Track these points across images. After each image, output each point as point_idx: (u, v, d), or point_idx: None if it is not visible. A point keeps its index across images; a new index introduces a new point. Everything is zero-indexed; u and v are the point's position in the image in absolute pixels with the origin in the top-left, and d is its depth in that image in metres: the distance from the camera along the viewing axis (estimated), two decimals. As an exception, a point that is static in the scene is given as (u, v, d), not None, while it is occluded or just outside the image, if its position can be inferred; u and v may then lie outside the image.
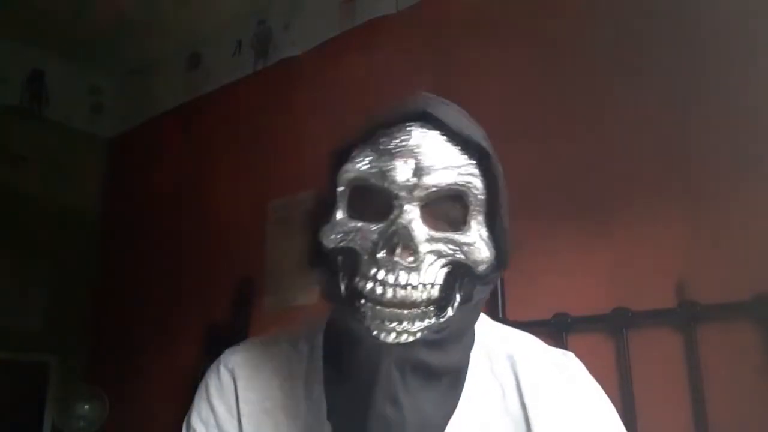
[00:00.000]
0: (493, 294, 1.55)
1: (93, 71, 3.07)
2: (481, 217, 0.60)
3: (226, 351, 0.73)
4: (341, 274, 0.59)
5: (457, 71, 1.85)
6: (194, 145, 2.70)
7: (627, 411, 1.33)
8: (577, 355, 0.69)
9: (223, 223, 2.43)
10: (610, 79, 1.55)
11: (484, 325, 0.69)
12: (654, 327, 1.38)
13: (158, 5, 2.52)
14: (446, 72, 1.87)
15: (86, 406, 2.43)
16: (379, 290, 0.55)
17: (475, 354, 0.65)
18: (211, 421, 0.67)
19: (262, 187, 2.34)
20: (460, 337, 0.62)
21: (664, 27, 1.50)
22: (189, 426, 0.69)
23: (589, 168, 1.54)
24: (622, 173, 1.49)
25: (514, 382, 0.64)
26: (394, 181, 0.57)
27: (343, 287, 0.59)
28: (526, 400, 0.63)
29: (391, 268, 0.55)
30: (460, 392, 0.62)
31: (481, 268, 0.59)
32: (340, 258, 0.59)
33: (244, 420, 0.66)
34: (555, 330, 1.47)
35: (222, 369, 0.70)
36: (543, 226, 1.55)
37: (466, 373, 0.63)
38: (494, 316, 1.45)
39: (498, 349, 0.67)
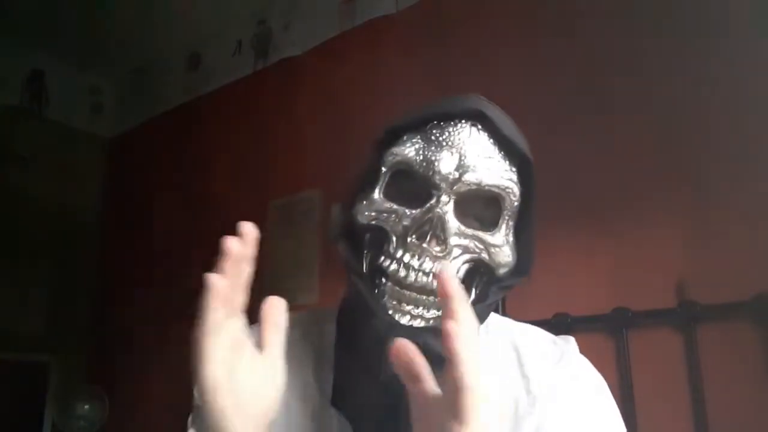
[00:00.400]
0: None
1: (93, 71, 3.07)
2: (511, 223, 0.62)
3: None
4: (365, 251, 0.61)
5: (457, 71, 1.85)
6: (194, 145, 2.70)
7: (627, 411, 1.33)
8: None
9: (223, 223, 2.43)
10: (611, 79, 1.55)
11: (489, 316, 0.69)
12: (654, 327, 1.38)
13: (158, 5, 2.53)
14: (446, 72, 1.87)
15: (86, 406, 2.43)
16: (402, 272, 0.58)
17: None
18: None
19: (262, 187, 2.34)
20: None
21: (665, 27, 1.50)
22: None
23: (589, 168, 1.54)
24: (623, 173, 1.49)
25: (518, 372, 0.65)
26: (437, 172, 0.59)
27: (365, 264, 0.60)
28: (531, 387, 0.63)
29: (419, 253, 0.58)
30: None
31: (502, 271, 0.61)
32: (367, 235, 0.61)
33: None
34: (555, 330, 1.46)
35: None
36: (543, 226, 1.53)
37: None
38: (494, 316, 1.45)
39: (502, 338, 0.68)
